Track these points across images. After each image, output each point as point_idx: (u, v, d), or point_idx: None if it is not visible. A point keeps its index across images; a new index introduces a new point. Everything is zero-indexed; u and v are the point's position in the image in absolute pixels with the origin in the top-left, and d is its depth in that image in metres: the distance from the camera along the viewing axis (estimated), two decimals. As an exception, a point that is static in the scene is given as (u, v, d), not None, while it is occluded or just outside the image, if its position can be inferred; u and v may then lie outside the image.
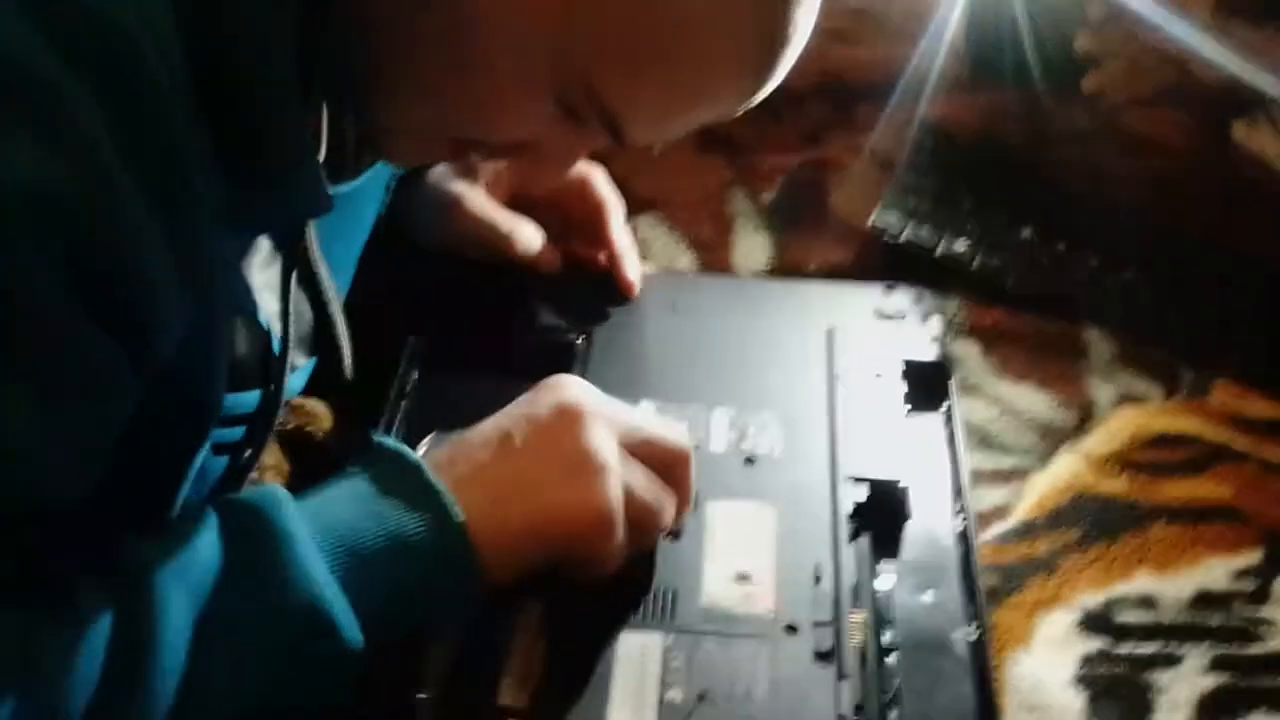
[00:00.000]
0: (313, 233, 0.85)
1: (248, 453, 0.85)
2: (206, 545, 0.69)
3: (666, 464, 0.84)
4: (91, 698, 0.62)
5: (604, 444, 0.80)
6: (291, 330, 0.84)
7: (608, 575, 0.81)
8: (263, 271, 0.82)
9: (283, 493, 0.73)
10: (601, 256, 1.10)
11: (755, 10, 0.72)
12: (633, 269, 1.09)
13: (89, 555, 0.67)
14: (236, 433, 0.84)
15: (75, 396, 0.62)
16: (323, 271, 0.88)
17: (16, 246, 0.58)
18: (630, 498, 0.80)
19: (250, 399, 0.83)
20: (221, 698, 0.67)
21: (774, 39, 0.74)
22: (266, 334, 0.82)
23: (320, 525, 0.72)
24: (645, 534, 0.82)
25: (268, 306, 0.83)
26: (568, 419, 0.80)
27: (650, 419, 0.87)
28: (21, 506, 0.62)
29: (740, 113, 0.81)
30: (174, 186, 0.64)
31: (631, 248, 1.10)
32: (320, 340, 0.90)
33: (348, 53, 0.73)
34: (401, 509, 0.74)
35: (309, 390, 0.95)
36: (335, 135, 0.78)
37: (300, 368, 0.91)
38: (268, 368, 0.83)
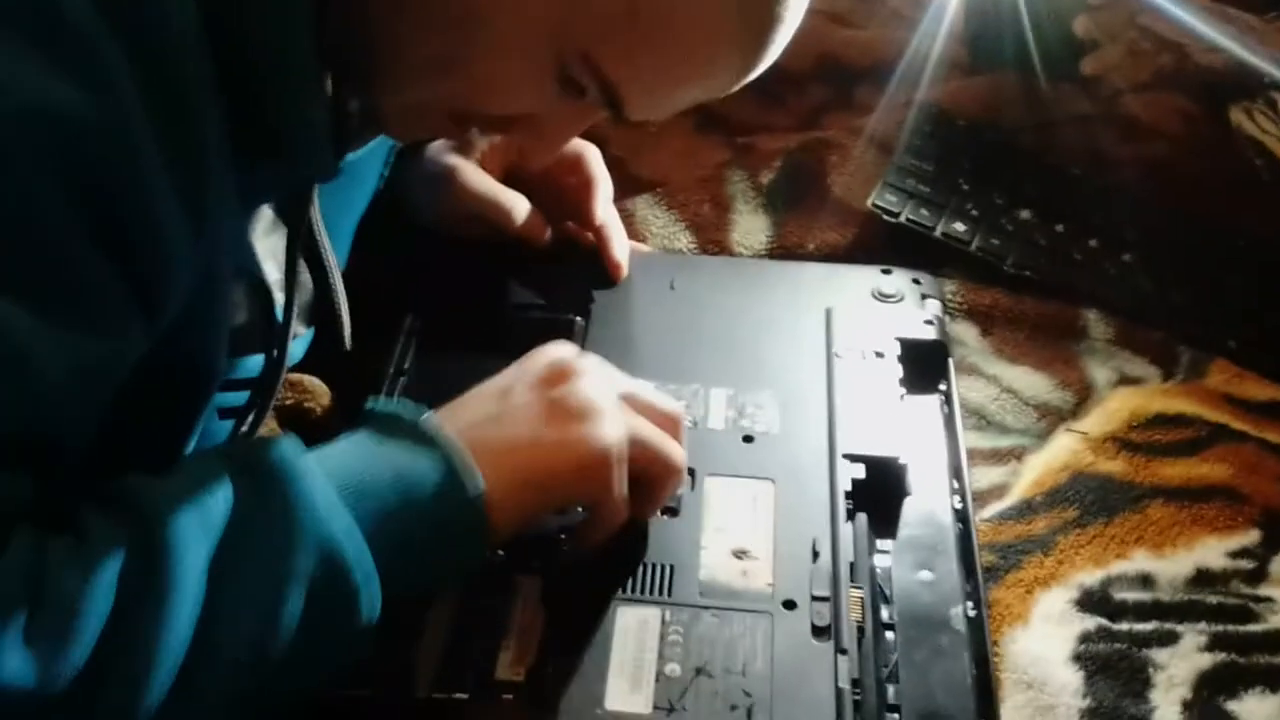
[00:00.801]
0: (316, 201, 0.85)
1: (251, 416, 0.86)
2: (217, 482, 0.68)
3: (661, 428, 0.84)
4: (105, 630, 0.61)
5: (601, 392, 0.81)
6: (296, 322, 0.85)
7: (613, 528, 0.81)
8: (265, 239, 0.83)
9: (292, 436, 0.73)
10: (590, 235, 1.10)
11: None
12: (618, 248, 1.09)
13: (100, 493, 0.67)
14: (240, 397, 0.84)
15: (77, 318, 0.63)
16: (324, 241, 0.88)
17: (21, 162, 0.59)
18: (637, 442, 0.81)
19: (254, 363, 0.84)
20: (237, 636, 0.66)
21: (768, 10, 0.75)
22: (269, 299, 0.82)
23: (330, 467, 0.72)
24: (659, 483, 0.83)
25: (270, 274, 0.83)
26: (563, 370, 0.82)
27: (645, 387, 0.87)
28: (23, 425, 0.62)
29: (737, 87, 0.81)
30: (188, 139, 0.65)
31: (618, 227, 1.10)
32: (320, 310, 0.90)
33: (350, 22, 0.74)
34: (408, 454, 0.74)
35: (307, 362, 0.95)
36: (338, 106, 0.78)
37: (300, 337, 0.91)
38: (270, 333, 0.84)
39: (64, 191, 0.60)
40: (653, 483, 0.83)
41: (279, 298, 0.84)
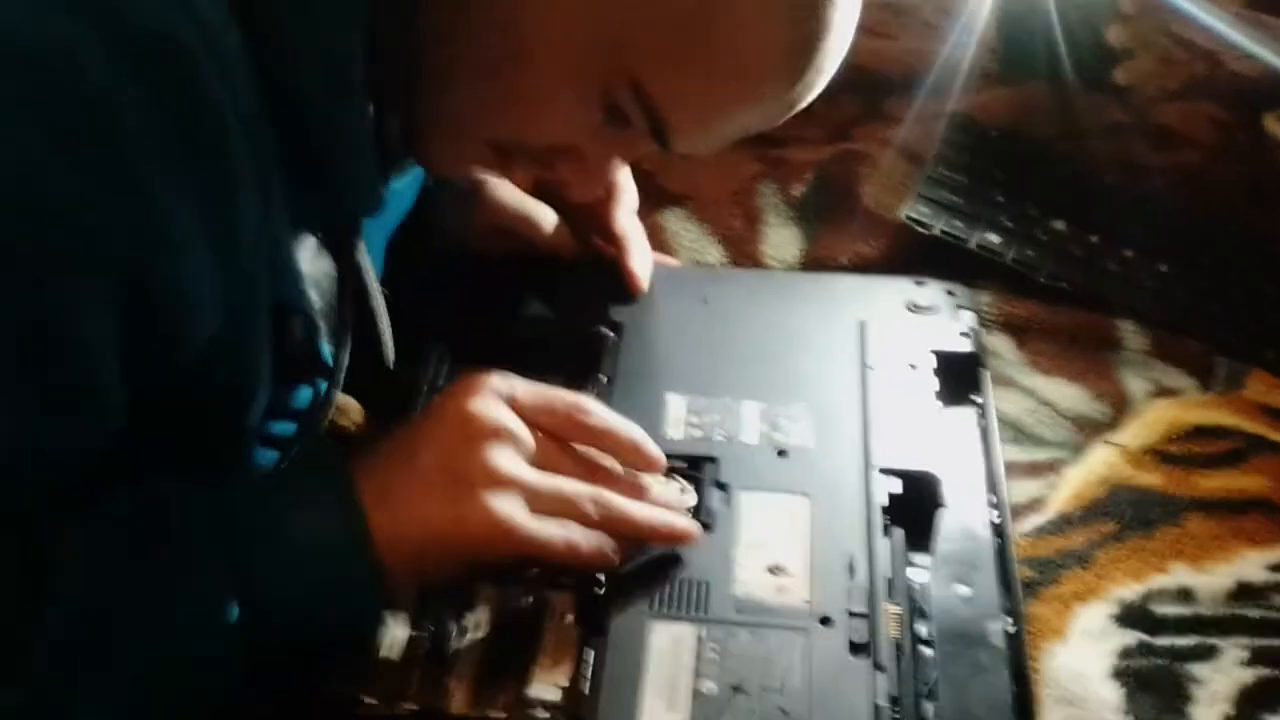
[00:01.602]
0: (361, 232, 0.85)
1: (296, 449, 0.86)
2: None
3: (574, 424, 0.84)
4: None
5: (496, 457, 0.79)
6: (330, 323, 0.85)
7: (589, 564, 0.80)
8: (309, 266, 0.82)
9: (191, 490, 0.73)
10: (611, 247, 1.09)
11: (794, 14, 0.74)
12: (637, 259, 1.07)
13: None
14: (289, 428, 0.84)
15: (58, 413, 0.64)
16: (366, 263, 0.88)
17: (45, 259, 0.60)
18: (539, 498, 0.80)
19: (303, 395, 0.84)
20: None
21: (814, 42, 0.75)
22: (315, 330, 0.82)
23: (225, 516, 0.72)
24: (591, 521, 0.81)
25: (314, 302, 0.83)
26: (472, 431, 0.80)
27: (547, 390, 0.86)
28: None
29: (783, 119, 0.81)
30: (220, 193, 0.65)
31: (639, 238, 1.09)
32: (359, 329, 0.90)
33: (397, 52, 0.74)
34: (314, 512, 0.75)
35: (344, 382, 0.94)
36: (383, 138, 0.78)
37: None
38: (315, 365, 0.84)
39: (95, 294, 0.62)
40: (576, 522, 0.81)
41: (322, 327, 0.84)
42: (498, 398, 0.82)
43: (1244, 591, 0.93)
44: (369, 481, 0.76)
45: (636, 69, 0.73)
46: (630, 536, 0.82)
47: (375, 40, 0.72)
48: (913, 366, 0.99)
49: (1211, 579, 0.94)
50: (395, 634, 0.78)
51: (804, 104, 0.81)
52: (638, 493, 0.85)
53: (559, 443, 0.84)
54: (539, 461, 0.82)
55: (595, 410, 0.85)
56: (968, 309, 1.06)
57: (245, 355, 0.74)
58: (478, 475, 0.78)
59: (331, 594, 0.74)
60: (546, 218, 1.08)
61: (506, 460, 0.79)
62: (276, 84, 0.69)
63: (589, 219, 1.08)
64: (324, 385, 0.85)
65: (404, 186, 0.94)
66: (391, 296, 0.94)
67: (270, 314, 0.76)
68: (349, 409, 0.95)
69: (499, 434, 0.80)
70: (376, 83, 0.74)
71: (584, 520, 0.80)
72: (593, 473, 0.84)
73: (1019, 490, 1.00)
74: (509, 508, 0.78)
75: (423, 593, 0.80)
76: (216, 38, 0.64)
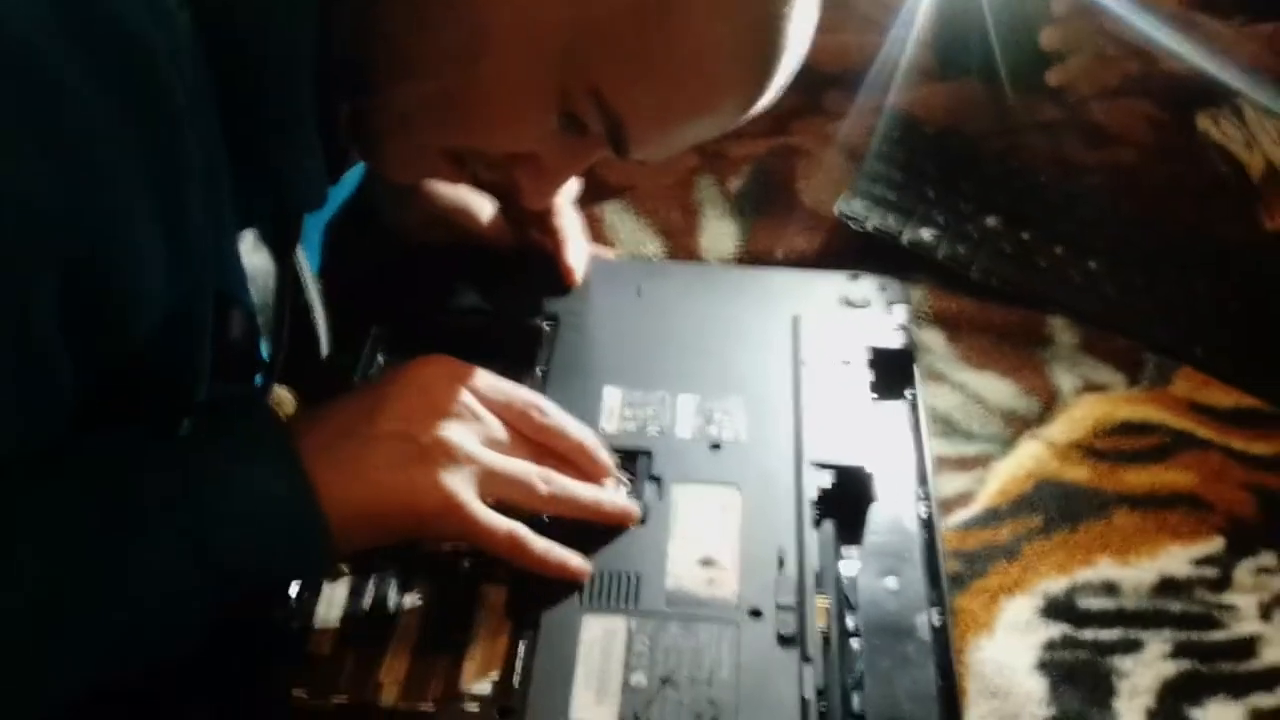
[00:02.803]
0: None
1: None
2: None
3: (528, 421, 0.86)
4: None
5: (455, 433, 0.80)
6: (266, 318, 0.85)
7: (521, 556, 0.81)
8: (247, 259, 0.82)
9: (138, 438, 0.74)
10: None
11: (755, 26, 0.75)
12: (571, 253, 1.08)
13: None
14: None
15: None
16: (302, 258, 0.88)
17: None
18: (493, 478, 0.80)
19: (239, 390, 0.83)
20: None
21: (774, 52, 0.76)
22: (254, 325, 0.82)
23: (174, 465, 0.73)
24: (539, 499, 0.83)
25: (253, 296, 0.83)
26: (432, 407, 0.81)
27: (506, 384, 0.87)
28: None
29: (737, 125, 0.82)
30: (172, 182, 0.65)
31: (574, 231, 1.09)
32: (295, 323, 0.90)
33: (352, 54, 0.74)
34: (260, 468, 0.75)
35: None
36: (333, 140, 0.78)
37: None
38: (253, 360, 0.83)
39: (48, 282, 0.61)
40: (520, 503, 0.82)
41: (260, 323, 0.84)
42: (460, 379, 0.83)
43: (1168, 585, 0.95)
44: (318, 439, 0.77)
45: (596, 77, 0.73)
46: (576, 515, 0.84)
47: (328, 41, 0.72)
48: (846, 361, 1.00)
49: (1136, 573, 0.95)
50: (329, 616, 0.80)
51: (759, 109, 0.81)
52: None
53: (513, 432, 0.85)
54: (492, 446, 0.82)
55: (551, 410, 0.87)
56: (900, 304, 1.07)
57: (189, 343, 0.74)
58: (434, 447, 0.79)
59: (279, 545, 0.74)
60: (483, 208, 1.08)
61: (464, 437, 0.80)
62: (225, 71, 0.68)
63: (526, 210, 1.09)
64: (260, 380, 0.85)
65: (342, 184, 0.93)
66: (327, 285, 0.94)
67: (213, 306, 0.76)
68: (283, 401, 0.95)
69: (460, 412, 0.81)
70: (328, 81, 0.73)
71: (533, 497, 0.82)
72: (540, 461, 0.85)
73: (948, 484, 1.01)
74: (460, 486, 0.78)
75: (357, 574, 0.81)
76: (170, 22, 0.64)
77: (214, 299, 0.75)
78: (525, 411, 0.85)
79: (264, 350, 0.84)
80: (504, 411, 0.84)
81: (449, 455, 0.79)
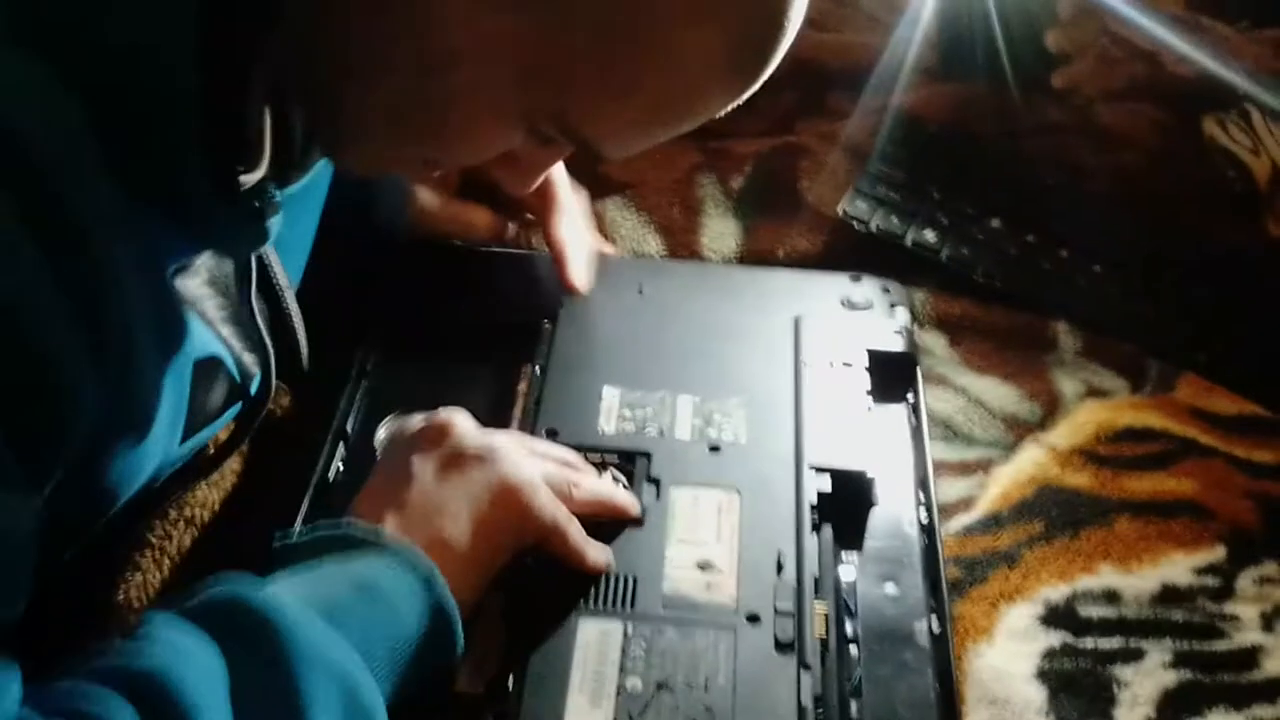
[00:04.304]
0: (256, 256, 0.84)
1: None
2: (208, 659, 0.65)
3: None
4: None
5: (484, 435, 0.83)
6: (252, 356, 0.85)
7: (579, 552, 0.82)
8: (211, 290, 0.81)
9: (248, 579, 0.71)
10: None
11: (750, 17, 0.69)
12: (573, 270, 1.06)
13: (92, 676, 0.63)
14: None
15: None
16: (276, 268, 0.87)
17: None
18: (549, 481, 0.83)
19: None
20: None
21: (770, 44, 0.71)
22: (233, 369, 0.82)
23: (304, 596, 0.70)
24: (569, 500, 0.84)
25: (223, 331, 0.82)
26: (438, 427, 0.83)
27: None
28: None
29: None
30: (80, 275, 0.62)
31: (577, 247, 1.07)
32: (276, 334, 0.89)
33: (304, 59, 0.71)
34: (369, 567, 0.73)
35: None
36: (282, 134, 0.75)
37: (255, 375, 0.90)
38: (236, 393, 0.84)
39: None
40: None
41: (240, 357, 0.84)
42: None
43: (1169, 594, 0.94)
44: (398, 527, 0.77)
45: (563, 101, 0.70)
46: (593, 512, 0.85)
47: (272, 51, 0.68)
48: (847, 364, 0.99)
49: (1137, 581, 0.95)
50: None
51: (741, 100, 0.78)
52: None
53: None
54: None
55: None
56: (902, 306, 1.07)
57: (132, 423, 0.72)
58: (475, 451, 0.81)
59: (422, 643, 0.73)
60: (478, 219, 1.09)
61: (496, 435, 0.83)
62: (123, 148, 0.65)
63: (523, 208, 1.08)
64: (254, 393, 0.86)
65: (316, 183, 0.91)
66: (316, 294, 0.93)
67: (177, 371, 0.75)
68: (275, 393, 0.94)
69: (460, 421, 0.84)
70: (277, 91, 0.71)
71: (570, 501, 0.83)
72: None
73: (949, 489, 1.00)
74: (529, 473, 0.81)
75: None
76: (47, 110, 0.61)
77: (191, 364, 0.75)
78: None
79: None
80: None
81: (491, 448, 0.81)
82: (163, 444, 0.76)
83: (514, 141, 0.74)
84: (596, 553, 0.82)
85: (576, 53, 0.67)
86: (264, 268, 0.86)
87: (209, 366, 0.80)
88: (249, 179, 0.72)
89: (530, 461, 0.82)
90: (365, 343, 1.00)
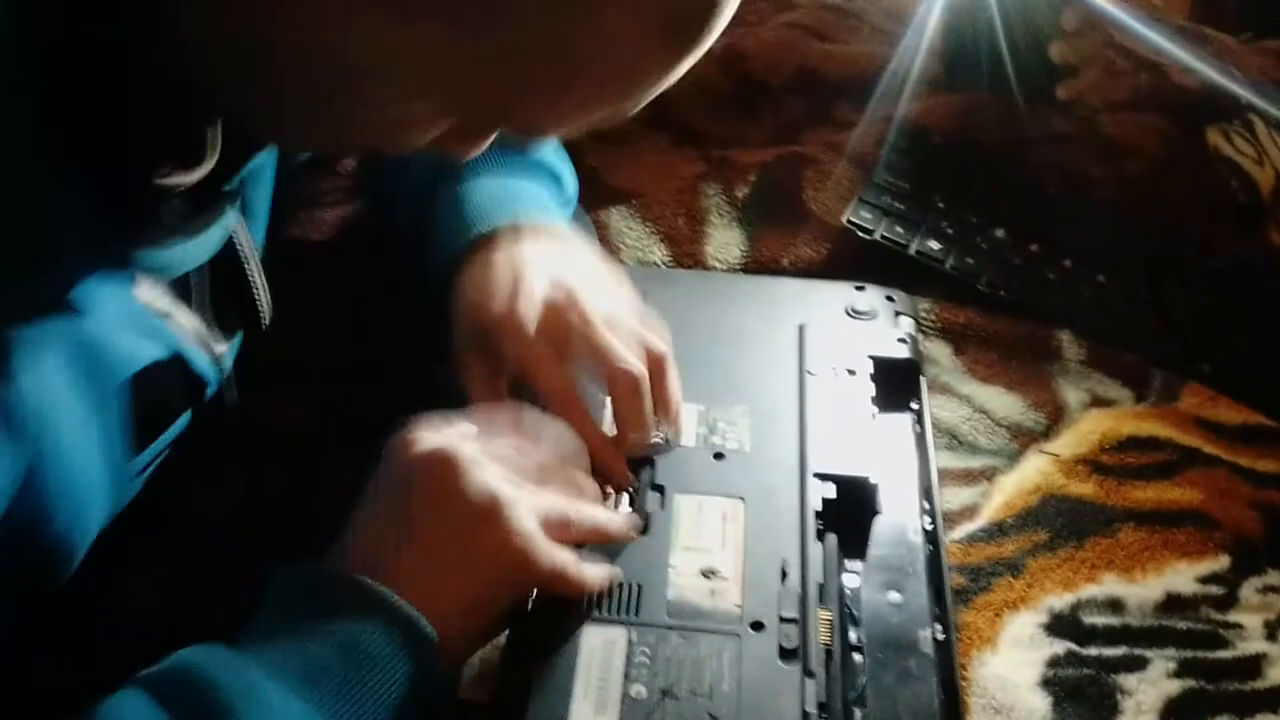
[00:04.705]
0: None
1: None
2: None
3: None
4: None
5: (490, 478, 0.78)
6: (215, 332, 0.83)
7: (578, 586, 0.80)
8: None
9: (215, 650, 0.69)
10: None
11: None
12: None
13: None
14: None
15: None
16: (241, 236, 0.84)
17: None
18: (549, 521, 0.79)
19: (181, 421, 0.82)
20: None
21: (697, 21, 0.65)
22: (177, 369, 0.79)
23: (275, 663, 0.68)
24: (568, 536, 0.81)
25: (185, 321, 0.79)
26: (442, 466, 0.77)
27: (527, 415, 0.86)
28: None
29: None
30: None
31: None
32: (243, 305, 0.87)
33: (204, 64, 0.66)
34: (353, 624, 0.71)
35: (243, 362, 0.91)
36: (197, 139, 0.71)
37: (229, 346, 0.87)
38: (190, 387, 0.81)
39: None
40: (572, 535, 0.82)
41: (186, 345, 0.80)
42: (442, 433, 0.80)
43: (1173, 603, 0.94)
44: (390, 578, 0.73)
45: (490, 96, 0.65)
46: (588, 542, 0.83)
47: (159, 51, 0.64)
48: (851, 372, 0.99)
49: (1141, 590, 0.95)
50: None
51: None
52: (576, 490, 0.85)
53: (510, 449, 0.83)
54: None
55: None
56: (907, 315, 1.07)
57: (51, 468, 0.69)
58: (480, 508, 0.76)
59: (405, 696, 0.71)
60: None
61: (497, 480, 0.78)
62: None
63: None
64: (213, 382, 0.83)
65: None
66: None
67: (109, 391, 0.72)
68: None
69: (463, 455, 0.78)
70: (184, 100, 0.68)
71: (565, 535, 0.80)
72: (542, 474, 0.83)
73: (953, 497, 1.00)
74: (529, 526, 0.77)
75: None
76: None
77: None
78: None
79: (203, 367, 0.82)
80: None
81: (494, 500, 0.77)
82: (108, 469, 0.74)
83: (447, 125, 0.69)
84: (596, 577, 0.80)
85: (503, 51, 0.61)
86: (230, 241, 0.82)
87: (159, 368, 0.76)
88: (177, 180, 0.69)
89: (527, 504, 0.78)
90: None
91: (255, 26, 0.61)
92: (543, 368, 0.88)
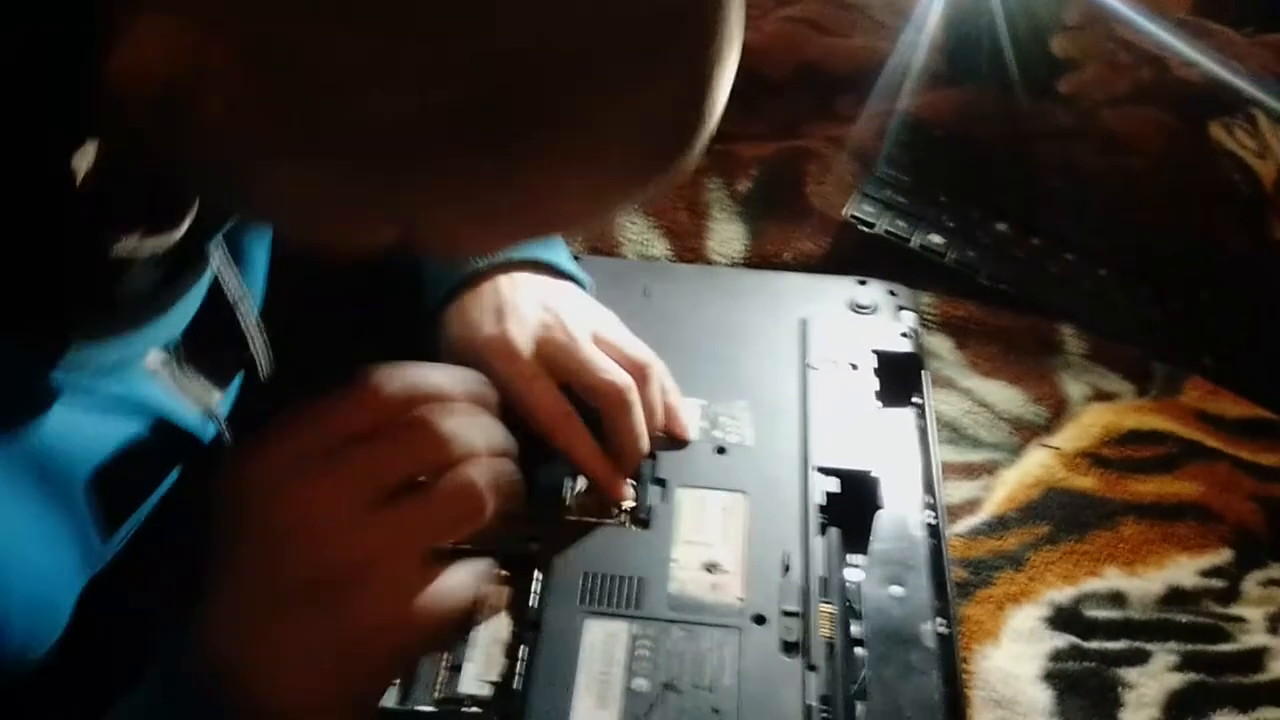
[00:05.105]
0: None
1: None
2: None
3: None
4: None
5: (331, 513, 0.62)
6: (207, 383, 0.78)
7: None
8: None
9: None
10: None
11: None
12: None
13: None
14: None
15: None
16: (229, 281, 0.78)
17: None
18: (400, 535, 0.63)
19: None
20: None
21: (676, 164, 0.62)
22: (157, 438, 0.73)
23: None
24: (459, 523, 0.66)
25: (174, 378, 0.75)
26: (278, 531, 0.62)
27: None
28: None
29: None
30: None
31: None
32: (237, 351, 0.81)
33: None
34: None
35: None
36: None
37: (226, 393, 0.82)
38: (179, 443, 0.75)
39: None
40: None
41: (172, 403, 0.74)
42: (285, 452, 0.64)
43: (1175, 596, 0.94)
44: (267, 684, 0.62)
45: (432, 237, 0.61)
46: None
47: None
48: (853, 366, 0.99)
49: (1143, 583, 0.95)
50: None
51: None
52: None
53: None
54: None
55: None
56: (909, 309, 1.07)
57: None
58: (359, 580, 0.62)
59: None
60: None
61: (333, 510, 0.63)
62: None
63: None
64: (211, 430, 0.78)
65: None
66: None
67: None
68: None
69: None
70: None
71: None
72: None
73: (955, 491, 1.00)
74: (394, 592, 0.62)
75: None
76: None
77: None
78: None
79: (190, 423, 0.76)
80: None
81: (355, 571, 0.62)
82: (76, 556, 0.69)
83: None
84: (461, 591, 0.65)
85: (447, 200, 0.56)
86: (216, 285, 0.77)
87: (136, 443, 0.71)
88: (149, 244, 0.65)
89: (399, 579, 0.62)
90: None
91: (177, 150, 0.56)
92: (534, 385, 0.87)
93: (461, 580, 0.64)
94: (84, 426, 0.67)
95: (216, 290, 0.77)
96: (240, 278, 0.79)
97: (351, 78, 0.50)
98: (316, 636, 0.61)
